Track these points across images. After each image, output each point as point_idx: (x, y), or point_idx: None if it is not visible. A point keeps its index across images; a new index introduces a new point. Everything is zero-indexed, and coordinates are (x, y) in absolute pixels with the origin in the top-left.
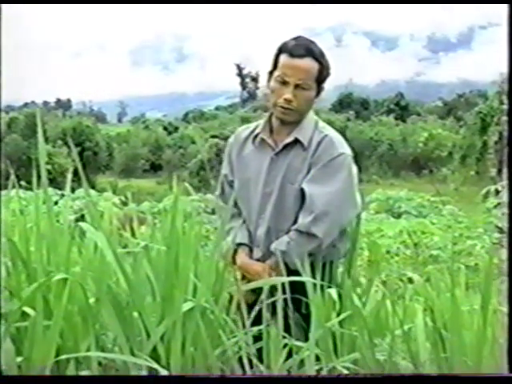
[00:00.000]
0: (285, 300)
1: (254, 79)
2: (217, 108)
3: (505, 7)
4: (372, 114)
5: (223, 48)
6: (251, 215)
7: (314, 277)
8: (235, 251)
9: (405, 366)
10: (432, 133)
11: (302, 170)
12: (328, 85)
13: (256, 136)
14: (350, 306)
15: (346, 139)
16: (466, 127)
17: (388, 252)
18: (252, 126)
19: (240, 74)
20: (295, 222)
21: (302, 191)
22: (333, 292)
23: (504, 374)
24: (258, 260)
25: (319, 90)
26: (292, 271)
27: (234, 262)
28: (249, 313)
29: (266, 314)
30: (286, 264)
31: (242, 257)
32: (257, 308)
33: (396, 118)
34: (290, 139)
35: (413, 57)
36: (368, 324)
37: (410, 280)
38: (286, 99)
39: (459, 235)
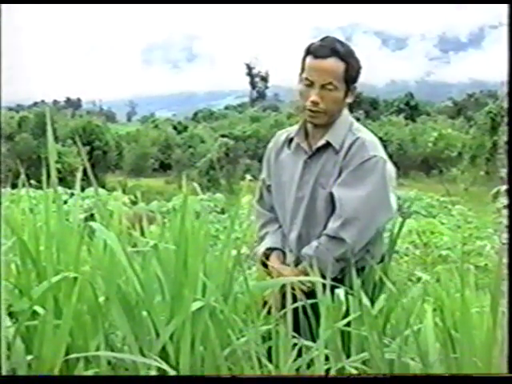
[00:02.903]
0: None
1: (264, 79)
2: (226, 107)
3: (505, 7)
4: (382, 113)
5: (233, 47)
6: (285, 220)
7: (348, 282)
8: (268, 256)
9: (414, 366)
10: (442, 133)
11: (333, 173)
12: None
13: (291, 140)
14: (359, 306)
15: None
16: (476, 127)
17: (397, 252)
18: (290, 129)
19: (250, 74)
20: (327, 226)
21: (333, 195)
22: (341, 293)
23: (504, 374)
24: (290, 264)
25: (349, 89)
26: (324, 276)
27: (266, 266)
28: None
29: (275, 313)
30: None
31: (273, 261)
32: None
33: (406, 118)
34: (321, 142)
35: (423, 56)
36: (377, 324)
37: (420, 280)
38: (312, 102)
39: (469, 235)
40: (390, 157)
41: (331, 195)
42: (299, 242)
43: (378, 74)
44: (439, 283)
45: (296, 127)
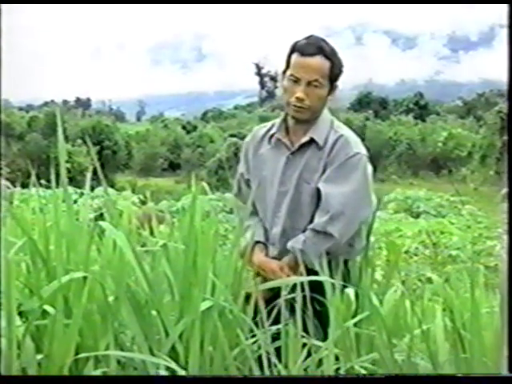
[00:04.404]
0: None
1: (273, 78)
2: (235, 107)
3: (505, 7)
4: (391, 113)
5: (242, 47)
6: (267, 214)
7: (331, 276)
8: (251, 249)
9: (423, 366)
10: (451, 132)
11: (317, 169)
12: (347, 84)
13: (272, 135)
14: (368, 306)
15: (365, 139)
16: (486, 127)
17: (407, 252)
18: (268, 124)
19: (259, 73)
20: (311, 220)
21: (318, 190)
22: (350, 292)
23: (504, 374)
24: (273, 258)
25: (332, 87)
26: (308, 270)
27: (250, 259)
28: (265, 309)
29: (284, 313)
30: (300, 262)
31: (258, 255)
32: (272, 306)
33: (415, 118)
34: (305, 139)
35: (433, 55)
36: (386, 324)
37: (429, 280)
38: (297, 98)
39: (479, 235)
40: (400, 156)
41: (315, 190)
42: (283, 236)
43: (388, 73)
44: (449, 283)
45: (272, 122)
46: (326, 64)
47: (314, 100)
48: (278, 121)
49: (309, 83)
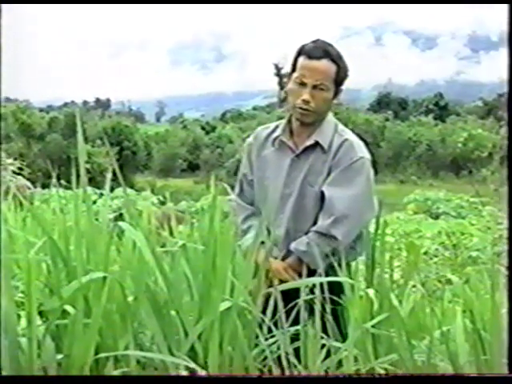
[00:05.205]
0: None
1: None
2: (254, 108)
3: (505, 7)
4: (411, 114)
5: (262, 48)
6: (270, 215)
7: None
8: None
9: (444, 367)
10: (472, 133)
11: (322, 172)
12: (366, 84)
13: (276, 138)
14: (387, 307)
15: (384, 139)
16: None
17: (426, 253)
18: (271, 126)
19: (278, 74)
20: (315, 223)
21: (322, 193)
22: (371, 292)
23: (504, 374)
24: (276, 259)
25: (337, 91)
26: (311, 271)
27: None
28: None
29: (303, 314)
30: (303, 263)
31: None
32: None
33: (435, 118)
34: (310, 142)
35: (453, 56)
36: (406, 325)
37: (449, 281)
38: (303, 100)
39: (499, 236)
40: (419, 157)
41: (319, 193)
42: (286, 238)
43: (407, 73)
44: (469, 285)
45: (276, 124)
46: (333, 68)
47: (320, 103)
48: (282, 123)
49: (315, 86)
